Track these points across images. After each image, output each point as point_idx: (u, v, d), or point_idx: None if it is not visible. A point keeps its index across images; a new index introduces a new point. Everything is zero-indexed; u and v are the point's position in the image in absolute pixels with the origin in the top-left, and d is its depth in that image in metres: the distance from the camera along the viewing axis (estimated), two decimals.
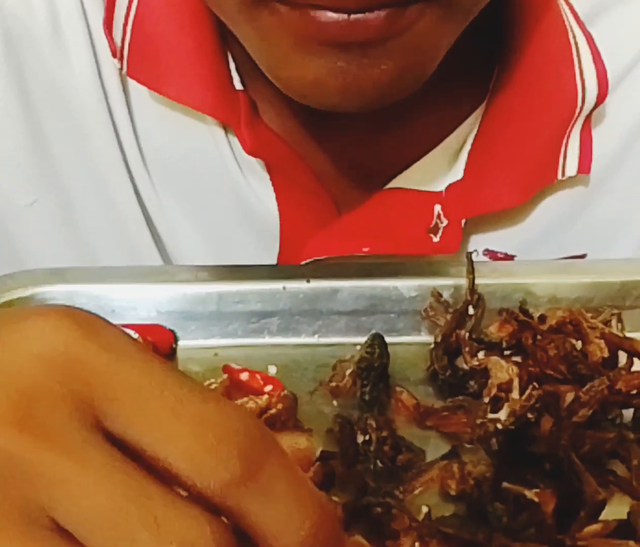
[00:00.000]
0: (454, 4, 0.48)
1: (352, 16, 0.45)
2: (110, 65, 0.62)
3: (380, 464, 0.46)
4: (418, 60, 0.49)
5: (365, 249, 0.61)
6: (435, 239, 0.61)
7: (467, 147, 0.62)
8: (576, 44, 0.61)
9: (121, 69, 0.61)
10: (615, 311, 0.53)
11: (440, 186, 0.62)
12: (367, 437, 0.46)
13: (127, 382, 0.28)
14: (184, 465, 0.28)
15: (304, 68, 0.48)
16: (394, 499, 0.43)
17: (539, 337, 0.50)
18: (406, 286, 0.54)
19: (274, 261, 0.63)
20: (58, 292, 0.54)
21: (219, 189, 0.63)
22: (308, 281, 0.54)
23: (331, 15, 0.45)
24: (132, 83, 0.62)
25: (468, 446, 0.47)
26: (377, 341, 0.51)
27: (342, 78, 0.47)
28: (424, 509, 0.42)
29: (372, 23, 0.45)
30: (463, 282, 0.54)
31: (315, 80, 0.48)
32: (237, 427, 0.28)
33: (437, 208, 0.61)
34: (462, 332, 0.52)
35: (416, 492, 0.44)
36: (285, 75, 0.49)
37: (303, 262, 0.61)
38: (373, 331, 0.52)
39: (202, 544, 0.27)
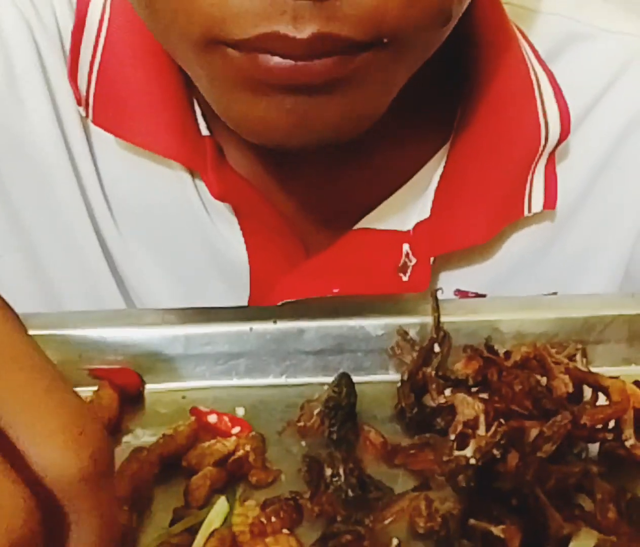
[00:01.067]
0: (404, 48, 0.48)
1: (299, 62, 0.46)
2: (72, 115, 0.62)
3: (350, 493, 0.46)
4: (366, 101, 0.50)
5: (335, 290, 0.61)
6: (405, 278, 0.61)
7: (434, 185, 0.63)
8: (538, 81, 0.62)
9: (87, 116, 0.61)
10: (580, 346, 0.54)
11: (408, 225, 0.63)
12: (334, 470, 0.47)
13: None
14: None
15: (252, 107, 0.48)
16: (364, 527, 0.43)
17: (504, 373, 0.51)
18: (372, 324, 0.55)
19: (244, 304, 0.63)
20: None
21: (187, 235, 0.64)
22: (275, 322, 0.54)
23: (278, 60, 0.45)
24: (95, 131, 0.62)
25: (437, 481, 0.47)
26: (345, 380, 0.51)
27: (289, 117, 0.48)
28: (395, 542, 0.43)
29: (318, 69, 0.46)
30: (429, 320, 0.54)
31: (263, 119, 0.48)
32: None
33: (406, 247, 0.62)
34: (429, 369, 0.52)
35: (386, 521, 0.44)
36: (234, 114, 0.50)
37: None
38: (340, 370, 0.53)
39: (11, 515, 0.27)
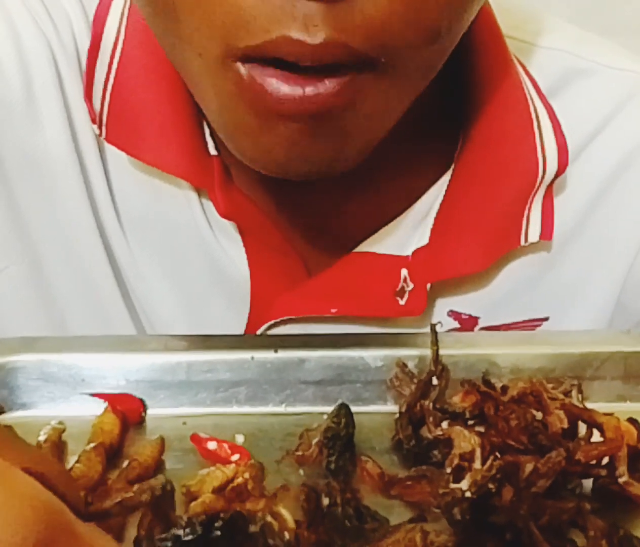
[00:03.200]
0: (401, 72, 0.49)
1: (307, 90, 0.47)
2: (87, 132, 0.63)
3: (347, 523, 0.46)
4: (365, 130, 0.50)
5: (333, 310, 0.62)
6: (402, 302, 0.62)
7: (433, 213, 0.64)
8: (537, 116, 0.63)
9: (100, 134, 0.62)
10: (576, 382, 0.54)
11: (407, 251, 0.64)
12: (332, 500, 0.47)
13: None
14: None
15: (257, 137, 0.49)
16: None
17: (501, 407, 0.51)
18: (372, 356, 0.55)
19: (244, 320, 0.64)
20: (29, 361, 0.54)
21: (192, 251, 0.65)
22: (276, 351, 0.55)
23: (286, 90, 0.46)
24: (109, 149, 0.63)
25: (432, 513, 0.47)
26: (344, 410, 0.52)
27: (291, 148, 0.49)
28: None
29: (324, 97, 0.47)
30: (428, 352, 0.55)
31: (268, 149, 0.49)
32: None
33: (404, 272, 0.63)
34: (426, 402, 0.53)
35: None
36: (238, 142, 0.51)
37: (272, 321, 0.62)
38: (339, 401, 0.53)
39: None
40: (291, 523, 0.44)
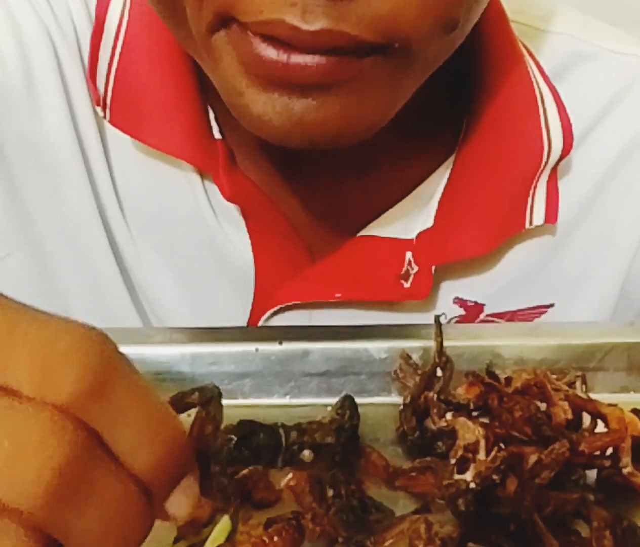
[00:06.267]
0: (412, 56, 0.49)
1: (292, 58, 0.46)
2: (88, 119, 0.63)
3: (352, 515, 0.46)
4: (370, 108, 0.50)
5: (337, 295, 0.62)
6: (406, 285, 0.62)
7: (438, 195, 0.64)
8: (542, 98, 0.63)
9: (104, 117, 0.62)
10: (580, 373, 0.54)
11: (411, 234, 0.64)
12: (336, 491, 0.47)
13: None
14: (27, 381, 0.28)
15: (250, 101, 0.49)
16: None
17: (504, 399, 0.51)
18: (376, 347, 0.55)
19: (248, 307, 0.64)
20: None
21: (195, 236, 0.65)
22: (280, 343, 0.55)
23: (271, 52, 0.46)
24: (110, 134, 0.63)
25: (437, 504, 0.48)
26: (348, 402, 0.52)
27: (285, 116, 0.48)
28: None
29: (310, 69, 0.46)
30: (432, 344, 0.55)
31: (261, 115, 0.49)
32: (83, 345, 0.29)
33: (408, 255, 0.63)
34: (431, 393, 0.53)
35: (386, 543, 0.45)
36: (237, 105, 0.50)
37: (276, 307, 0.62)
38: (344, 392, 0.53)
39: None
40: None
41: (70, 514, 0.27)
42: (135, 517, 0.29)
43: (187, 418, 0.43)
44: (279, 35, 0.46)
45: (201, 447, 0.44)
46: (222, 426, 0.46)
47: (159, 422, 0.30)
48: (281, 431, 0.50)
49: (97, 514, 0.28)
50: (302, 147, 0.51)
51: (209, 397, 0.43)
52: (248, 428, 0.50)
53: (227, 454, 0.48)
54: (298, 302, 0.63)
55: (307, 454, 0.50)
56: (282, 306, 0.63)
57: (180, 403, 0.44)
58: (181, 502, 0.31)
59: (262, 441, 0.49)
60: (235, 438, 0.49)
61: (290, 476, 0.48)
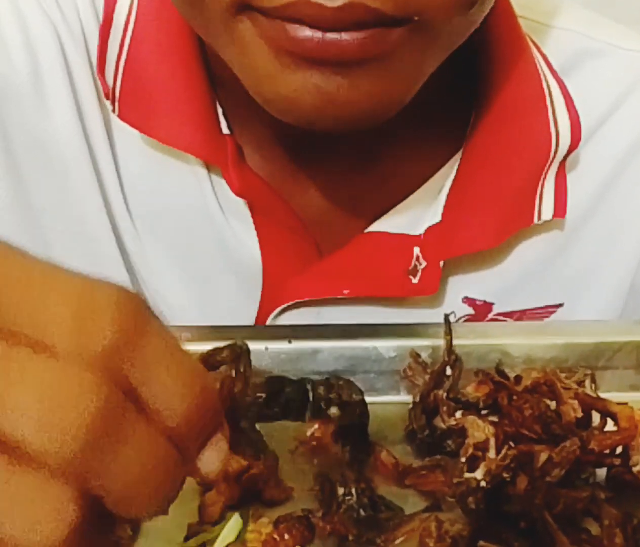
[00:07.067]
0: (434, 31, 0.49)
1: (327, 35, 0.46)
2: (95, 115, 0.63)
3: (362, 513, 0.46)
4: (398, 85, 0.51)
5: (345, 291, 0.62)
6: (415, 281, 0.62)
7: (445, 190, 0.64)
8: (549, 91, 0.63)
9: (113, 111, 0.62)
10: (589, 372, 0.54)
11: (419, 229, 0.64)
12: (346, 490, 0.47)
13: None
14: (59, 335, 0.28)
15: (281, 83, 0.49)
16: (375, 546, 0.44)
17: (514, 397, 0.51)
18: (385, 346, 0.56)
19: (256, 304, 0.64)
20: None
21: (201, 232, 0.65)
22: (290, 342, 0.55)
23: (307, 32, 0.46)
24: (117, 129, 0.63)
25: (447, 502, 0.48)
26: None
27: (317, 95, 0.48)
28: None
29: (346, 44, 0.47)
30: (441, 342, 0.55)
31: (292, 96, 0.49)
32: (117, 300, 0.29)
33: (416, 250, 0.63)
34: (440, 392, 0.53)
35: (397, 541, 0.45)
36: (264, 90, 0.50)
37: (284, 305, 0.62)
38: None
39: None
40: None
41: (108, 459, 0.28)
42: (168, 469, 0.29)
43: (218, 375, 0.44)
44: (305, 16, 0.46)
45: (231, 404, 0.44)
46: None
47: (190, 378, 0.30)
48: (309, 386, 0.50)
49: (132, 462, 0.28)
50: (329, 128, 0.51)
51: (238, 354, 0.44)
52: (277, 384, 0.50)
53: (256, 410, 0.49)
54: (306, 299, 0.63)
55: (334, 410, 0.50)
56: (291, 303, 0.63)
57: (210, 360, 0.44)
58: (212, 459, 0.31)
59: (289, 395, 0.50)
60: (265, 395, 0.49)
61: (316, 426, 0.49)
